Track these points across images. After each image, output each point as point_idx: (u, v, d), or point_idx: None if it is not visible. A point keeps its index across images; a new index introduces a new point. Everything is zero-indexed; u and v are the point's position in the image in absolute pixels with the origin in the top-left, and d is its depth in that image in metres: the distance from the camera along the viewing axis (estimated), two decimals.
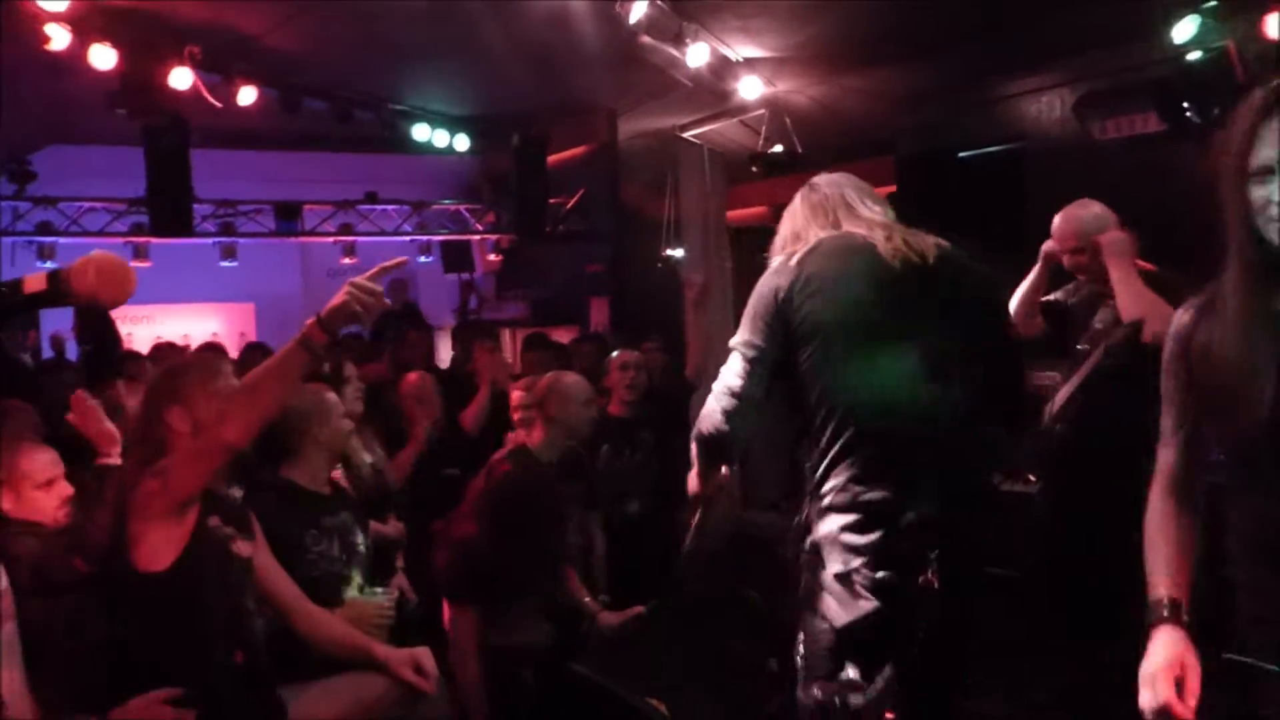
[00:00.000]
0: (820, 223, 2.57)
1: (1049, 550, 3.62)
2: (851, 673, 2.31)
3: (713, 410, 2.51)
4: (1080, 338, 3.51)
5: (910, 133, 6.97)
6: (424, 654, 2.72)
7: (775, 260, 2.57)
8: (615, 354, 4.84)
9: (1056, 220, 3.46)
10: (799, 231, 2.59)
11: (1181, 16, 4.86)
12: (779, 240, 2.64)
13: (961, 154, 6.78)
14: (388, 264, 2.37)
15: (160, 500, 2.28)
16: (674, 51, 5.50)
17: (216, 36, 5.75)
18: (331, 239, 8.70)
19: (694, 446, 2.65)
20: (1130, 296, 3.07)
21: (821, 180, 2.71)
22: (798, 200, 2.69)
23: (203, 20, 5.54)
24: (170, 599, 2.31)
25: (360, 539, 3.36)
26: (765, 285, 2.49)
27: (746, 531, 4.27)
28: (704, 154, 6.91)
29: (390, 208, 8.78)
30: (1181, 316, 1.82)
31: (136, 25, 5.43)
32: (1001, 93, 6.45)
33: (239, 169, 8.04)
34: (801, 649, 2.42)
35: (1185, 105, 5.07)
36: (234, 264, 8.60)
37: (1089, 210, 3.39)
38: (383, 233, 8.79)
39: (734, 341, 2.50)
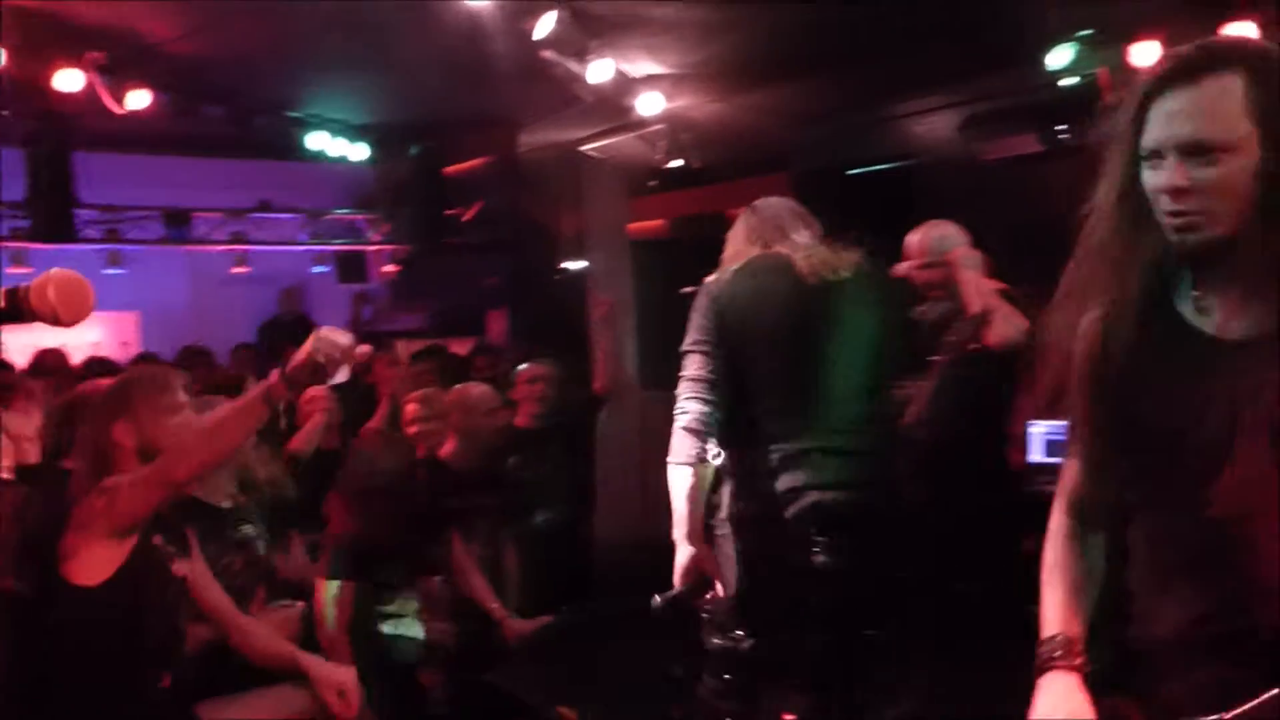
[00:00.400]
0: (754, 243, 2.87)
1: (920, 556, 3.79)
2: (740, 632, 2.67)
3: (679, 410, 2.74)
4: (935, 351, 3.71)
5: (804, 149, 7.15)
6: (349, 678, 2.69)
7: (711, 276, 2.86)
8: (524, 367, 4.83)
9: (909, 240, 3.59)
10: (738, 250, 2.89)
11: (1058, 44, 5.13)
12: (723, 258, 2.92)
13: (853, 171, 6.98)
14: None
15: (102, 520, 2.23)
16: (576, 67, 5.55)
17: (118, 42, 5.58)
18: (222, 247, 8.48)
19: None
20: (978, 297, 3.23)
21: (761, 204, 2.98)
22: (739, 221, 2.98)
23: (104, 24, 5.37)
24: (100, 617, 2.25)
25: (263, 553, 3.32)
26: (700, 298, 2.79)
27: (653, 542, 4.32)
28: (605, 168, 6.98)
29: (284, 216, 8.61)
30: (1089, 327, 1.58)
31: (29, 25, 5.23)
32: (891, 113, 6.67)
33: (126, 173, 7.78)
34: (709, 606, 2.75)
35: (1061, 127, 5.35)
36: (119, 272, 8.32)
37: (940, 229, 3.55)
38: (276, 242, 8.61)
39: (686, 344, 2.78)
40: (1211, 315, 1.47)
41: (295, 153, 7.88)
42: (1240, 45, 1.46)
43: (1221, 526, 1.40)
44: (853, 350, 2.70)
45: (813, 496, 2.64)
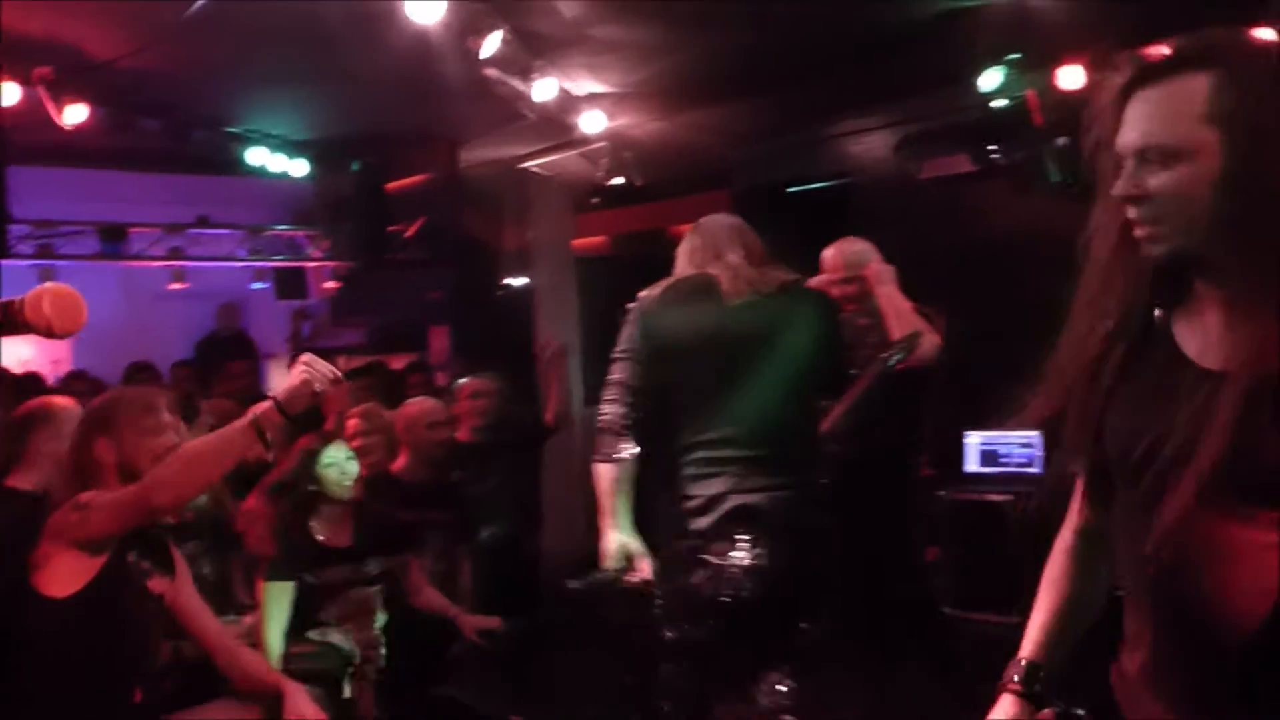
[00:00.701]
0: (693, 263, 3.04)
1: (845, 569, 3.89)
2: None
3: (600, 411, 2.94)
4: (850, 364, 3.84)
5: (744, 167, 7.27)
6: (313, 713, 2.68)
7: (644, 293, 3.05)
8: (464, 381, 4.85)
9: (825, 255, 3.71)
10: (680, 269, 3.08)
11: (989, 67, 5.29)
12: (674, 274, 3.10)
13: (792, 189, 7.11)
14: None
15: (75, 534, 2.22)
16: (520, 85, 5.60)
17: (57, 56, 5.52)
18: (159, 263, 8.36)
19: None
20: (898, 316, 3.38)
21: (704, 223, 3.16)
22: (684, 240, 3.14)
23: (42, 39, 5.30)
24: (70, 629, 2.24)
25: (207, 569, 3.31)
26: (631, 313, 2.98)
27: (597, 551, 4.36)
28: (552, 185, 7.03)
29: (223, 232, 8.52)
30: (1091, 346, 1.48)
31: None
32: (829, 132, 6.82)
33: (60, 188, 7.65)
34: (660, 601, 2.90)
35: (992, 148, 5.52)
36: None
37: (855, 245, 3.69)
38: (215, 258, 8.51)
39: (614, 353, 2.98)
40: (1197, 338, 1.37)
41: (235, 168, 7.80)
42: (1215, 43, 1.34)
43: (1155, 567, 1.30)
44: (773, 364, 2.87)
45: (733, 501, 2.82)
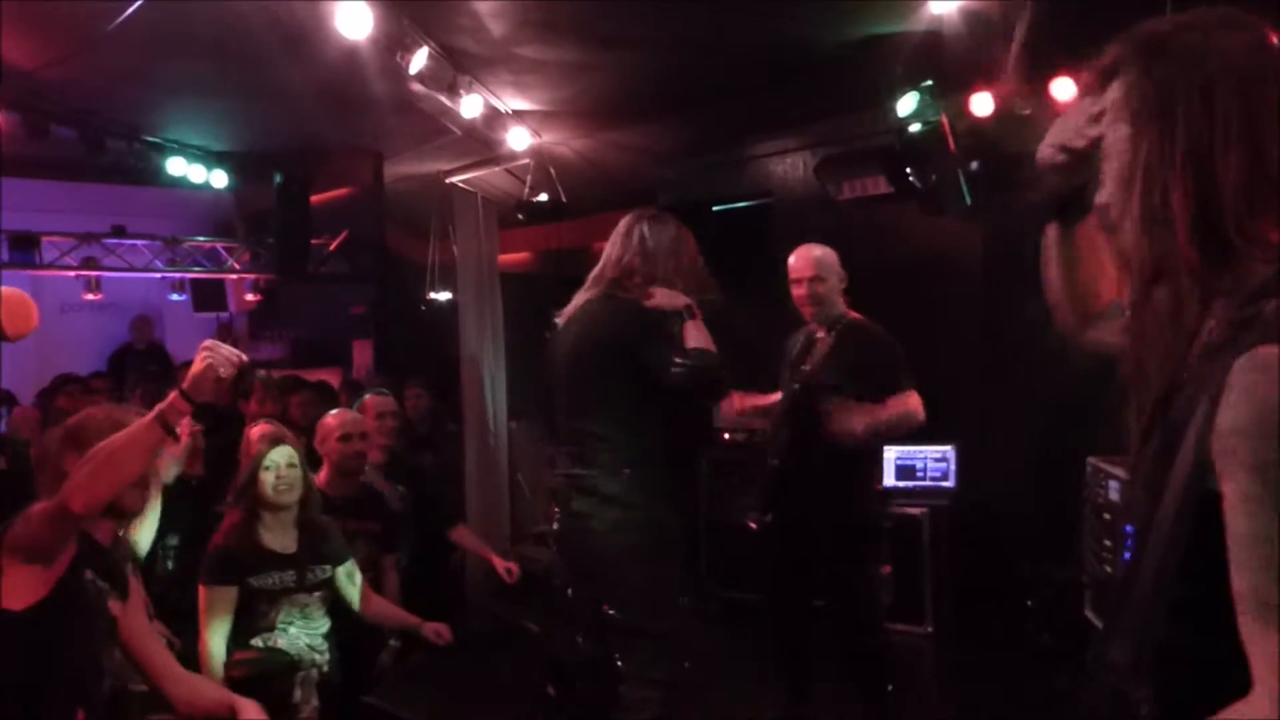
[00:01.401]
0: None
1: (779, 575, 4.00)
2: None
3: None
4: (793, 376, 3.98)
5: (668, 186, 7.37)
6: None
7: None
8: (368, 399, 4.78)
9: (795, 259, 3.96)
10: None
11: (904, 92, 5.46)
12: None
13: (715, 207, 7.22)
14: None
15: (20, 542, 2.19)
16: (447, 101, 5.63)
17: None
18: (74, 273, 8.18)
19: None
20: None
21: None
22: None
23: None
24: (19, 644, 2.21)
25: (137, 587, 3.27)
26: None
27: (522, 566, 4.40)
28: (477, 200, 7.05)
29: (140, 243, 8.37)
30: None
31: None
32: (751, 153, 6.95)
33: None
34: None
35: (907, 171, 5.68)
36: None
37: (820, 248, 3.96)
38: (131, 268, 8.35)
39: None
40: None
41: (153, 178, 7.69)
42: (1134, 37, 1.29)
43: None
44: (580, 381, 3.18)
45: (557, 520, 3.19)
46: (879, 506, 4.21)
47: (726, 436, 5.91)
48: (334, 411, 4.30)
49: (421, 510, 4.63)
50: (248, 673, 3.07)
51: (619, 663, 3.00)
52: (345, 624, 3.47)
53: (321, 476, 3.89)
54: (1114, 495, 4.51)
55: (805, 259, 3.93)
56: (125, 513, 2.46)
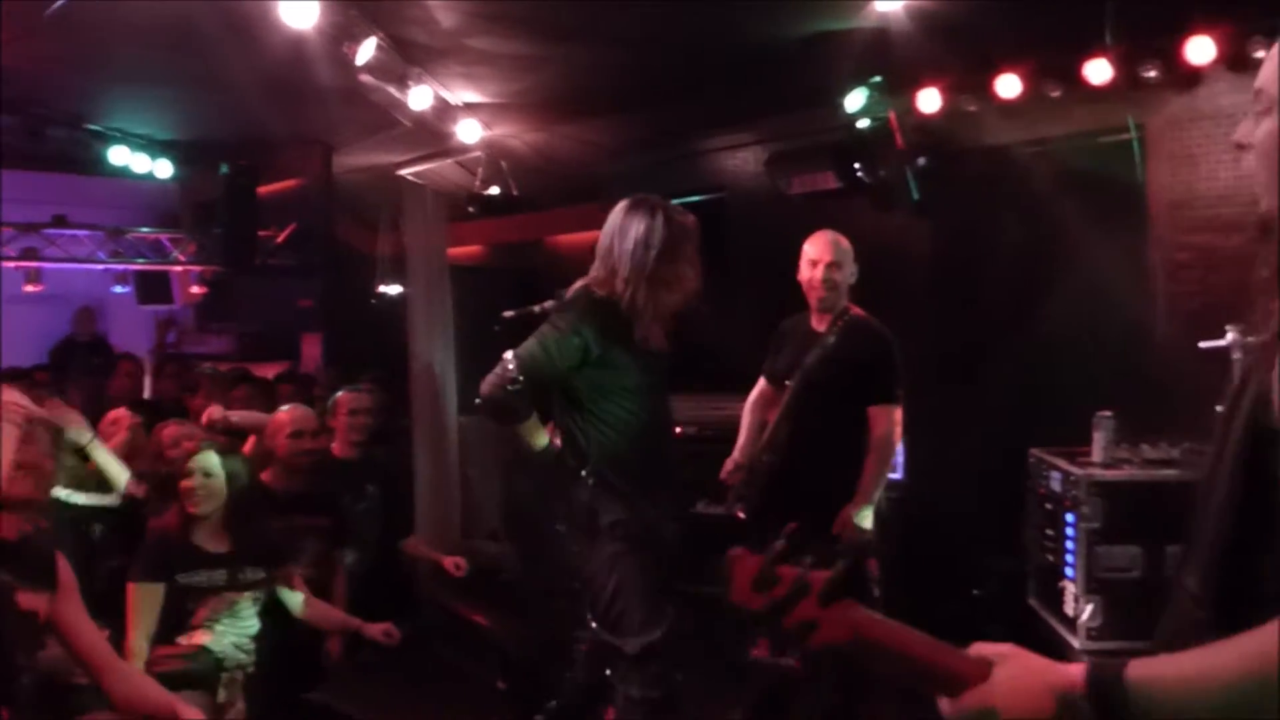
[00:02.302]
0: None
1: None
2: None
3: None
4: (791, 374, 3.95)
5: (620, 180, 7.37)
6: None
7: None
8: (341, 396, 4.76)
9: (815, 241, 3.95)
10: None
11: (852, 89, 5.52)
12: None
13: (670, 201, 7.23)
14: None
15: None
16: (396, 93, 5.58)
17: None
18: (13, 264, 7.99)
19: None
20: None
21: None
22: None
23: None
24: None
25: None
26: None
27: (473, 561, 4.39)
28: (427, 193, 7.00)
29: (82, 233, 8.20)
30: None
31: None
32: (704, 147, 6.98)
33: None
34: None
35: (856, 166, 5.75)
36: None
37: (840, 236, 3.96)
38: (73, 259, 8.18)
39: None
40: None
41: (96, 167, 7.54)
42: None
43: None
44: None
45: None
46: None
47: (678, 430, 5.92)
48: (286, 407, 4.26)
49: (384, 508, 4.60)
50: (169, 669, 3.05)
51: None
52: (286, 620, 3.44)
53: (269, 472, 3.85)
54: (1055, 486, 4.60)
55: (826, 243, 3.90)
56: (18, 504, 2.41)
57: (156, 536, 3.31)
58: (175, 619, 3.22)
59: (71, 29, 5.08)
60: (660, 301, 3.09)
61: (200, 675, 3.10)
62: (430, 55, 5.57)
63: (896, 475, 5.76)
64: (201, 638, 3.21)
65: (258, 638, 3.34)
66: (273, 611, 3.43)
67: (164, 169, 8.03)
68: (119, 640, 3.15)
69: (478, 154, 6.84)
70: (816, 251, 3.89)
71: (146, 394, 7.54)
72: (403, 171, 7.27)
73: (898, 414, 3.73)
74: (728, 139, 6.82)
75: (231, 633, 3.27)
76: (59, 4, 4.53)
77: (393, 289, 8.04)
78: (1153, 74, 4.88)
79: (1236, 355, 3.63)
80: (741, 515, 4.27)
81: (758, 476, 3.95)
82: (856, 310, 3.92)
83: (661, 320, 3.13)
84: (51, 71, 6.02)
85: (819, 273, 3.85)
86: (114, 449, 3.94)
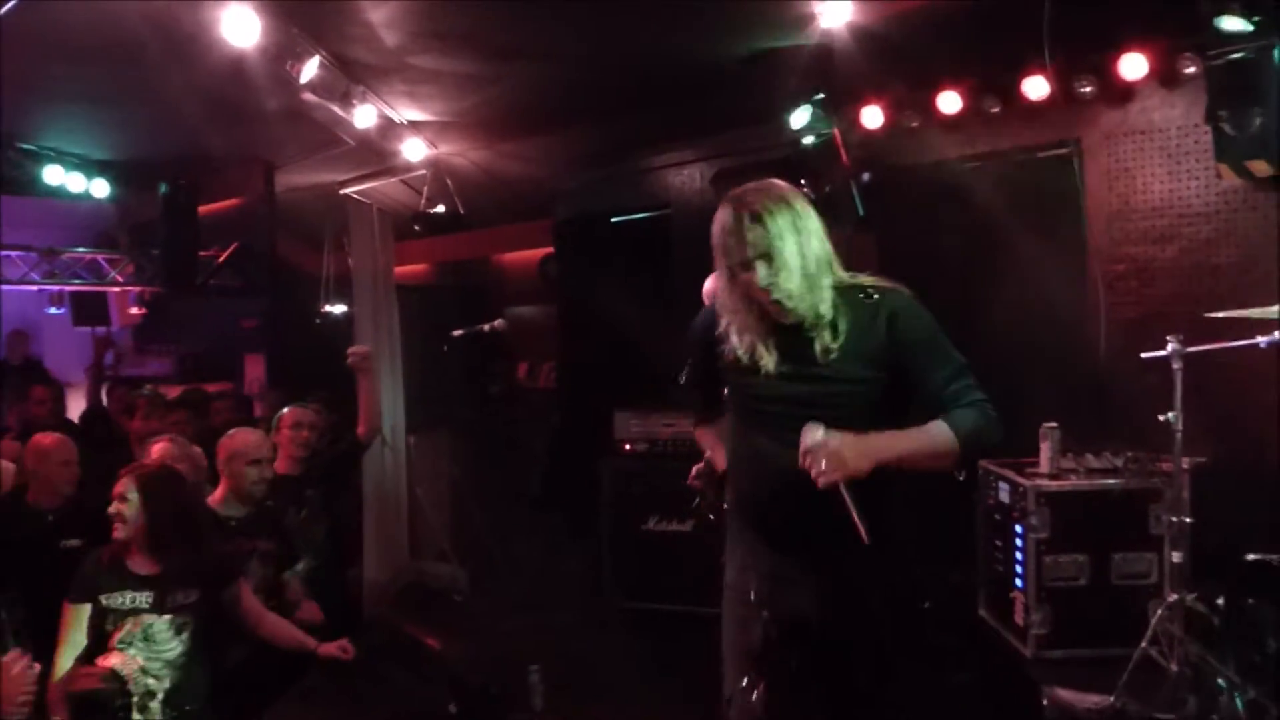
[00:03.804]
0: None
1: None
2: None
3: None
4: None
5: (567, 197, 7.38)
6: None
7: None
8: (286, 411, 4.72)
9: None
10: None
11: (797, 106, 5.57)
12: None
13: (614, 218, 7.26)
14: None
15: None
16: (339, 111, 5.53)
17: None
18: None
19: None
20: None
21: None
22: None
23: None
24: None
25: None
26: None
27: (422, 581, 4.33)
28: (372, 211, 6.94)
29: (14, 254, 8.00)
30: None
31: None
32: (649, 164, 7.00)
33: None
34: None
35: (802, 182, 5.78)
36: None
37: None
38: (5, 280, 7.97)
39: None
40: None
41: (28, 187, 7.37)
42: None
43: None
44: None
45: None
46: None
47: (627, 447, 5.91)
48: (244, 430, 4.17)
49: (317, 526, 4.54)
50: (78, 688, 3.04)
51: None
52: (229, 645, 3.37)
53: (218, 494, 3.76)
54: (1004, 497, 4.65)
55: None
56: None
57: (92, 559, 3.27)
58: (94, 640, 3.19)
59: (2, 45, 4.97)
60: None
61: (106, 698, 3.05)
62: (374, 73, 5.53)
63: None
64: (113, 660, 3.16)
65: (176, 661, 3.25)
66: (214, 635, 3.34)
67: (100, 188, 7.88)
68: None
69: (423, 172, 6.81)
70: None
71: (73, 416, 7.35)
72: (347, 190, 7.21)
73: None
74: (673, 156, 6.84)
75: (143, 655, 3.19)
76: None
77: (338, 308, 7.94)
78: (1088, 89, 5.01)
79: (1177, 365, 3.71)
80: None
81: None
82: None
83: None
84: None
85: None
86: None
